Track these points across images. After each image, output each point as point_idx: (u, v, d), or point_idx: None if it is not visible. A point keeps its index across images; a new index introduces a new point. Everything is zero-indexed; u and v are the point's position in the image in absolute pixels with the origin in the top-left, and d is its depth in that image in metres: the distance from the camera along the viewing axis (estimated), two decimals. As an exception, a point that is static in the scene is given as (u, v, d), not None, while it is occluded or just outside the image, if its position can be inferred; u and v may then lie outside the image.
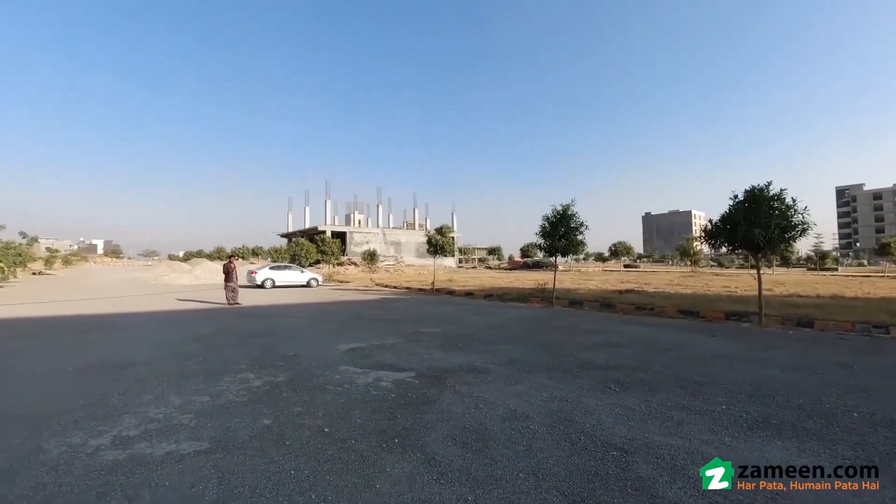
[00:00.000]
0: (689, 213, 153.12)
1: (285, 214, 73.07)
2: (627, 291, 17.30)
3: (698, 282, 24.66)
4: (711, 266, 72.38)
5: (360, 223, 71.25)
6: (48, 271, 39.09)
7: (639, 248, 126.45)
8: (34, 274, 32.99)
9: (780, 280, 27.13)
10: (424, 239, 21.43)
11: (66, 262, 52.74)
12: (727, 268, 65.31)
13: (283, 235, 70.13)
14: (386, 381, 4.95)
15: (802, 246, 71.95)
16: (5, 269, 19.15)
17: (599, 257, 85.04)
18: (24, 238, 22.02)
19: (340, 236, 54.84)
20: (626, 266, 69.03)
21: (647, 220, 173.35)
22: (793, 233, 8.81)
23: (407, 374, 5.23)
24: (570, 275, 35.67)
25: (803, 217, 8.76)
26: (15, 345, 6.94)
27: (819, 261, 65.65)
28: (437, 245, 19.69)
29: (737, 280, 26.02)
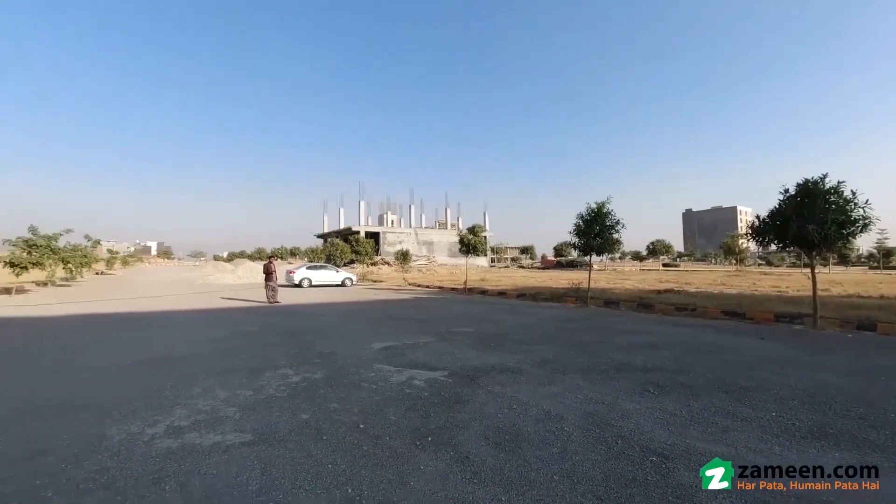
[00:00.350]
0: (734, 208, 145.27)
1: (321, 216, 75.39)
2: (667, 291, 16.63)
3: (744, 281, 23.33)
4: (759, 265, 68.42)
5: (392, 223, 72.31)
6: (109, 271, 42.25)
7: (679, 246, 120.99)
8: (97, 274, 35.71)
9: (837, 279, 25.25)
10: (456, 238, 21.49)
11: (125, 262, 56.86)
12: (777, 266, 61.56)
13: (319, 236, 72.27)
14: (419, 379, 5.01)
15: (864, 243, 66.70)
16: (73, 269, 20.88)
17: (636, 256, 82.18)
18: (88, 241, 23.91)
19: (374, 236, 55.87)
20: (665, 265, 66.32)
21: (688, 216, 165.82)
22: (852, 228, 8.16)
23: (440, 374, 5.27)
24: (605, 274, 34.71)
25: (864, 211, 8.09)
26: (83, 339, 7.53)
27: (883, 259, 60.66)
28: (470, 244, 19.69)
29: (788, 280, 24.47)
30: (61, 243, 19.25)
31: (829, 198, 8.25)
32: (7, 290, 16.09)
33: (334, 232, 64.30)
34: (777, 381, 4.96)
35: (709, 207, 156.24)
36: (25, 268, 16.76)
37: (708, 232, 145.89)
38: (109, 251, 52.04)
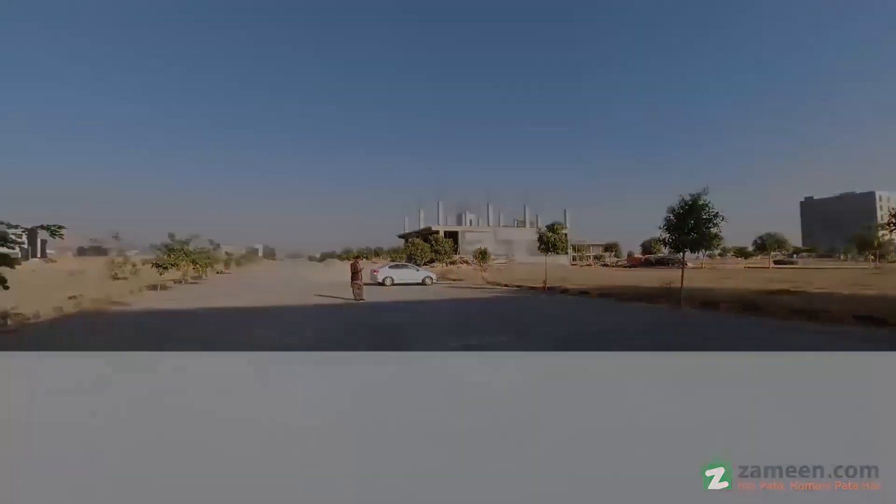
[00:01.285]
0: (872, 195, 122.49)
1: (402, 217, 78.90)
2: (780, 292, 14.58)
3: (888, 282, 19.54)
4: (908, 261, 56.71)
5: (471, 223, 73.23)
6: (226, 271, 48.64)
7: (796, 240, 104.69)
8: (218, 273, 41.35)
9: None
10: (535, 237, 21.08)
11: (238, 263, 65.09)
12: (935, 263, 50.48)
13: (401, 236, 75.67)
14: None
15: None
16: (201, 269, 24.67)
17: (741, 252, 72.05)
18: (211, 245, 28.12)
19: (452, 236, 57.00)
20: (777, 262, 57.56)
21: (809, 206, 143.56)
22: None
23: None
24: (702, 272, 31.47)
25: None
26: (218, 325, 8.88)
27: None
28: (549, 242, 19.23)
29: (951, 279, 19.98)
30: (191, 247, 22.77)
31: None
32: (154, 287, 19.45)
33: (414, 232, 66.83)
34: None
35: (836, 194, 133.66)
36: (166, 268, 20.14)
37: (835, 223, 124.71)
38: (227, 253, 60.00)
